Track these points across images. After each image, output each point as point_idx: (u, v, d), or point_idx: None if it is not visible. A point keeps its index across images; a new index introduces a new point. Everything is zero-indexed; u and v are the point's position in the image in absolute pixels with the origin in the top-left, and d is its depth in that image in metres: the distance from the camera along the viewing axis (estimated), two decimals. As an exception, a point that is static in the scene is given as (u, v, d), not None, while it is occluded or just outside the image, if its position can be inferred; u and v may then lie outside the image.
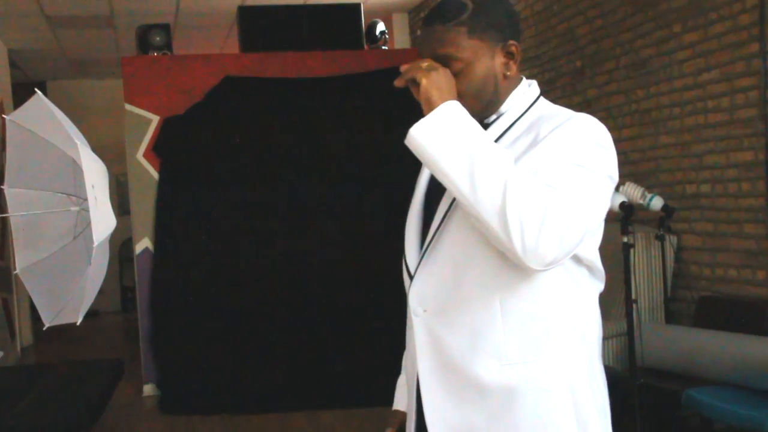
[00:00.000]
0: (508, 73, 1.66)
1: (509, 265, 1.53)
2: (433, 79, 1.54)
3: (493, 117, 1.69)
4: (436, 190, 1.68)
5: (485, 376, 1.57)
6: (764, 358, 3.89)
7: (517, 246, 1.44)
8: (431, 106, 1.52)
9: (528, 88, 1.72)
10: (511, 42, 1.65)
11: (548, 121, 1.60)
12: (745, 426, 3.94)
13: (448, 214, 1.62)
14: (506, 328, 1.57)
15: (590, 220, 1.53)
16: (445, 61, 1.61)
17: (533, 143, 1.58)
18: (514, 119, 1.66)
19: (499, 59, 1.64)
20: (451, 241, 1.62)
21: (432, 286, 1.64)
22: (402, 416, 1.86)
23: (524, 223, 1.43)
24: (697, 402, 4.10)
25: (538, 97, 1.71)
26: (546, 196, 1.45)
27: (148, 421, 6.05)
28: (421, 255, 1.66)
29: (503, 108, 1.69)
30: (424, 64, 1.58)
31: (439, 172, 1.50)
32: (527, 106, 1.68)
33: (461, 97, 1.60)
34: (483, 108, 1.66)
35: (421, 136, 1.50)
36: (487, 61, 1.63)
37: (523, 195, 1.43)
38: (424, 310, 1.65)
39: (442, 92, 1.54)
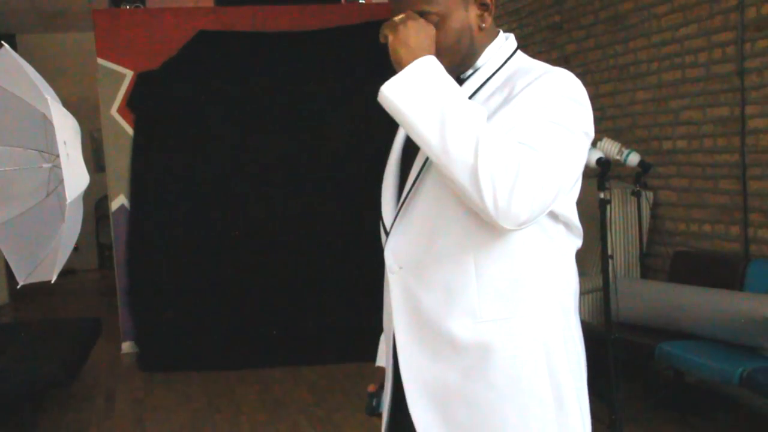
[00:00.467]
0: (484, 25, 1.64)
1: (483, 223, 1.52)
2: (400, 36, 1.51)
3: (470, 71, 1.67)
4: (412, 147, 1.65)
5: (459, 333, 1.57)
6: (736, 313, 3.94)
7: (489, 205, 1.42)
8: (400, 65, 1.50)
9: (505, 42, 1.70)
10: None
11: (524, 75, 1.58)
12: (715, 378, 4.03)
13: (423, 171, 1.61)
14: (480, 286, 1.58)
15: (564, 179, 1.52)
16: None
17: (507, 98, 1.56)
18: (490, 74, 1.64)
19: (474, 11, 1.62)
20: (425, 198, 1.61)
21: (407, 243, 1.64)
22: (383, 372, 1.86)
23: (496, 182, 1.41)
24: (670, 356, 4.16)
25: (515, 51, 1.69)
26: (519, 154, 1.43)
27: (127, 378, 6.06)
28: (396, 212, 1.66)
29: (479, 62, 1.67)
30: (398, 17, 1.55)
31: (411, 130, 1.48)
32: (503, 60, 1.66)
33: (437, 52, 1.58)
34: (460, 62, 1.65)
35: (391, 95, 1.48)
36: (461, 13, 1.60)
37: (496, 153, 1.42)
38: (400, 267, 1.65)
39: (411, 48, 1.50)
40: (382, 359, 1.90)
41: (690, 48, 4.91)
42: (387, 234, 1.68)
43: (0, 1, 9.66)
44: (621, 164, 4.62)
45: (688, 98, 4.96)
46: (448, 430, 1.61)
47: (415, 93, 1.46)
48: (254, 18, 6.78)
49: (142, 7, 6.78)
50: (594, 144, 4.32)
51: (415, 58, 1.49)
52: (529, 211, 1.44)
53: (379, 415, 1.81)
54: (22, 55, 3.26)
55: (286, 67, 6.66)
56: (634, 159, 4.66)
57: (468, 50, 1.64)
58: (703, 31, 4.80)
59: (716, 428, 4.31)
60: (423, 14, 1.58)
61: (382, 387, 1.82)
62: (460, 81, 1.65)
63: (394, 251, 1.66)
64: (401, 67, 1.50)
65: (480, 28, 1.64)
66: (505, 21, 7.02)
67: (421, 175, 1.60)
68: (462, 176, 1.43)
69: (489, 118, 1.52)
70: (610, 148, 4.52)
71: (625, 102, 5.54)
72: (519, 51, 1.70)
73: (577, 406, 1.65)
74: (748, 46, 4.49)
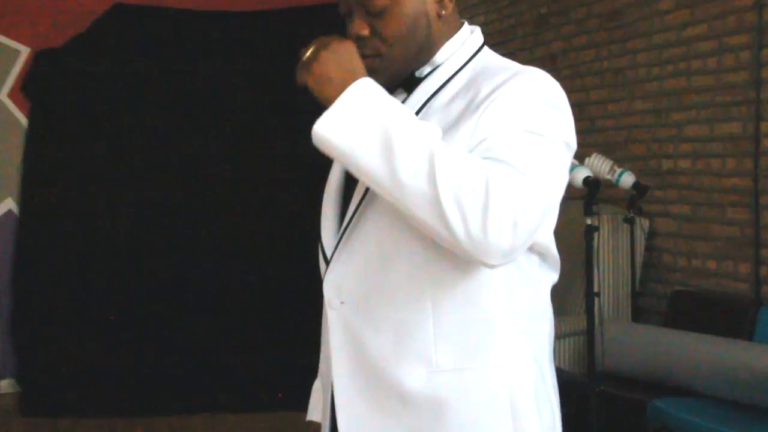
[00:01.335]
0: (444, 13, 1.66)
1: (444, 254, 1.50)
2: (317, 74, 1.50)
3: (427, 69, 1.68)
4: None
5: (410, 384, 1.57)
6: (744, 366, 3.97)
7: (462, 238, 1.40)
8: (329, 102, 1.48)
9: (470, 36, 1.70)
10: None
11: (491, 77, 1.57)
12: (718, 444, 4.04)
13: (364, 200, 1.61)
14: (437, 328, 1.57)
15: (548, 197, 1.50)
16: (366, 1, 1.61)
17: (471, 104, 1.55)
18: (452, 73, 1.65)
19: None
20: (374, 221, 1.60)
21: (351, 274, 1.63)
22: (317, 428, 1.86)
23: (464, 209, 1.39)
24: (665, 414, 4.16)
25: (481, 47, 1.70)
26: (486, 171, 1.40)
27: (5, 424, 5.96)
28: (339, 237, 1.65)
29: (439, 58, 1.67)
30: (307, 53, 1.53)
31: (355, 170, 1.46)
32: (467, 57, 1.67)
33: (386, 41, 1.62)
34: (414, 55, 1.66)
35: (325, 133, 1.46)
36: None
37: (457, 175, 1.38)
38: (341, 302, 1.64)
39: (335, 81, 1.48)
40: (314, 411, 1.90)
41: (698, 52, 4.96)
42: (327, 263, 1.68)
43: None
44: (612, 185, 4.66)
45: (694, 110, 5.00)
46: None
47: (351, 126, 1.44)
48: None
49: (45, -29, 6.68)
50: (581, 161, 4.34)
51: (344, 89, 1.47)
52: (512, 238, 1.39)
53: None
54: None
55: (216, 52, 6.67)
56: (628, 180, 4.70)
57: (424, 41, 1.65)
58: (714, 32, 4.85)
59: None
60: None
61: None
62: (416, 81, 1.67)
63: (335, 284, 1.65)
64: (330, 104, 1.47)
65: (439, 16, 1.65)
66: (482, 11, 7.11)
67: (369, 193, 1.59)
68: (423, 211, 1.41)
69: (450, 128, 1.53)
70: (600, 165, 4.54)
71: (619, 112, 5.58)
72: (486, 47, 1.71)
73: None
74: (766, 52, 4.55)
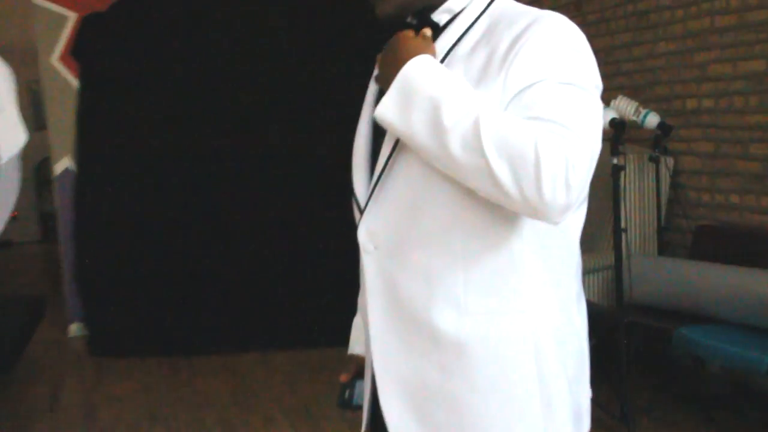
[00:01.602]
0: None
1: (474, 201, 1.51)
2: (380, 78, 1.56)
3: (446, 17, 1.64)
4: None
5: (440, 325, 1.56)
6: (765, 293, 3.99)
7: (519, 201, 1.41)
8: (387, 84, 1.53)
9: None
10: None
11: (510, 25, 1.55)
12: (741, 367, 4.08)
13: (395, 151, 1.60)
14: (467, 274, 1.56)
15: (593, 149, 1.48)
16: None
17: (494, 56, 1.53)
18: (471, 21, 1.62)
19: None
20: (405, 170, 1.59)
21: (383, 222, 1.63)
22: (359, 360, 1.87)
23: (517, 173, 1.39)
24: (690, 341, 4.19)
25: None
26: (533, 134, 1.40)
27: (75, 364, 6.09)
28: (372, 188, 1.65)
29: (455, 5, 1.64)
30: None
31: (413, 146, 1.51)
32: (486, 4, 1.63)
33: None
34: None
35: (383, 116, 1.51)
36: None
37: (505, 142, 1.40)
38: (375, 248, 1.64)
39: (392, 65, 1.53)
40: (356, 345, 1.92)
41: (719, -9, 4.91)
42: (361, 212, 1.68)
43: None
44: (638, 126, 4.64)
45: (717, 50, 4.96)
46: (422, 429, 1.61)
47: (402, 109, 1.48)
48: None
49: (90, -62, 6.70)
50: (607, 103, 4.33)
51: (398, 71, 1.50)
52: (566, 195, 1.40)
53: (353, 408, 1.83)
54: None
55: (260, 19, 6.55)
56: (653, 120, 4.69)
57: None
58: (736, -29, 4.80)
59: (742, 424, 4.36)
60: None
61: (355, 377, 1.85)
62: (435, 27, 1.63)
63: (369, 230, 1.65)
64: (387, 86, 1.52)
65: None
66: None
67: (399, 144, 1.58)
68: (479, 182, 1.44)
69: (478, 80, 1.52)
70: (626, 107, 4.54)
71: (644, 55, 5.54)
72: None
73: (570, 412, 1.63)
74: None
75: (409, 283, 1.60)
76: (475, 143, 1.40)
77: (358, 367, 1.86)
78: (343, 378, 1.85)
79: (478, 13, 1.62)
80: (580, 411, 1.67)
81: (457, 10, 1.63)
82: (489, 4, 1.63)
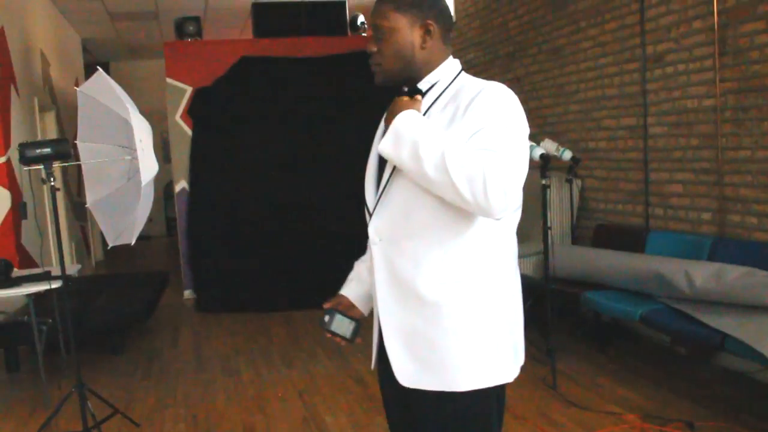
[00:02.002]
0: (425, 46, 1.58)
1: (446, 207, 1.48)
2: (391, 112, 1.54)
3: (427, 85, 1.61)
4: None
5: (424, 291, 1.53)
6: (639, 269, 3.98)
7: (473, 206, 1.40)
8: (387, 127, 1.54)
9: (453, 64, 1.63)
10: (429, 21, 1.57)
11: (467, 91, 1.54)
12: (622, 317, 4.08)
13: (393, 172, 1.57)
14: (443, 257, 1.52)
15: (522, 170, 1.47)
16: (376, 27, 1.59)
17: (457, 111, 1.51)
18: (443, 88, 1.59)
19: (417, 32, 1.57)
20: (400, 188, 1.55)
21: (386, 222, 1.58)
22: (342, 299, 1.78)
23: (472, 187, 1.38)
24: (592, 301, 4.21)
25: (460, 71, 1.63)
26: (481, 161, 1.39)
27: (187, 317, 6.12)
28: (377, 197, 1.60)
29: (433, 78, 1.60)
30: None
31: (404, 170, 1.50)
32: (452, 78, 1.61)
33: (384, 56, 1.58)
34: (402, 68, 1.59)
35: (382, 149, 1.52)
36: (406, 31, 1.57)
37: (463, 167, 1.39)
38: (380, 240, 1.59)
39: (393, 115, 1.53)
40: (346, 288, 1.81)
41: (607, 73, 4.92)
42: (370, 215, 1.62)
43: (99, 38, 9.89)
44: (558, 159, 4.62)
45: (607, 110, 4.97)
46: (413, 362, 1.56)
47: (394, 145, 1.49)
48: (283, 46, 6.77)
49: (199, 39, 6.78)
50: (537, 143, 4.32)
51: (393, 121, 1.51)
52: (505, 200, 1.39)
53: (328, 331, 1.71)
54: (113, 76, 3.32)
55: (307, 82, 6.60)
56: (567, 155, 4.61)
57: (409, 61, 1.59)
58: (617, 61, 4.80)
59: (622, 353, 4.36)
60: (379, 26, 1.58)
61: (335, 309, 1.73)
62: (418, 92, 1.60)
63: (376, 228, 1.60)
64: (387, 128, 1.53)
65: (421, 47, 1.58)
66: (472, 51, 7.01)
67: (395, 170, 1.56)
68: (446, 193, 1.42)
69: (449, 124, 1.50)
70: (550, 146, 4.49)
71: (561, 112, 5.53)
72: (463, 72, 1.64)
73: (511, 348, 1.61)
74: (648, 73, 4.51)
75: (402, 263, 1.56)
76: (443, 167, 1.40)
77: (340, 303, 1.77)
78: (326, 305, 1.75)
79: (447, 84, 1.60)
80: (517, 347, 1.64)
81: (434, 82, 1.61)
82: (455, 78, 1.61)
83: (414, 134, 1.46)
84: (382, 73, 1.61)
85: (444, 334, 1.53)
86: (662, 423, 3.25)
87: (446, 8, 1.63)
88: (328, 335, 1.72)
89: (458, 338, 1.53)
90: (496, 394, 1.60)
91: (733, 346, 3.23)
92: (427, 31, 1.58)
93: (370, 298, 1.74)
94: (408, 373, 1.57)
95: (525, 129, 1.53)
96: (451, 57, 1.64)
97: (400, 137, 1.48)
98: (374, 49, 1.60)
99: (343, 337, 1.71)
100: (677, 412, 3.40)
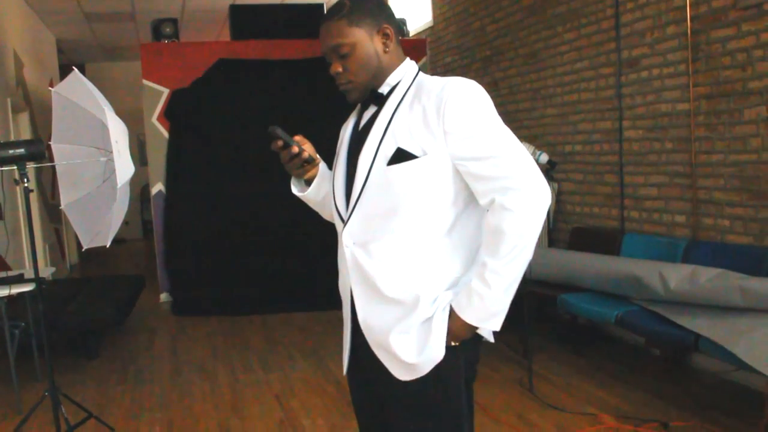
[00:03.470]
0: (387, 50, 1.59)
1: (423, 215, 1.50)
2: (456, 336, 1.53)
3: (387, 88, 1.60)
4: (356, 145, 1.62)
5: (387, 288, 1.54)
6: (615, 271, 4.01)
7: (542, 217, 1.45)
8: (470, 332, 1.53)
9: (410, 65, 1.63)
10: (385, 25, 1.58)
11: (429, 88, 1.53)
12: (598, 319, 4.10)
13: (368, 177, 1.55)
14: (412, 260, 1.53)
15: (521, 149, 1.47)
16: (337, 49, 1.56)
17: (426, 111, 1.50)
18: (405, 89, 1.58)
19: (378, 39, 1.58)
20: (375, 193, 1.55)
21: (358, 229, 1.58)
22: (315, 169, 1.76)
23: (526, 223, 1.43)
24: (568, 303, 4.22)
25: (418, 72, 1.63)
26: (497, 217, 1.44)
27: (164, 320, 6.06)
28: (352, 206, 1.59)
29: (392, 80, 1.60)
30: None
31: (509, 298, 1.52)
32: (412, 79, 1.60)
33: (353, 73, 1.56)
34: (372, 78, 1.59)
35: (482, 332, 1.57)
36: (367, 42, 1.56)
37: (508, 241, 1.43)
38: (354, 243, 1.59)
39: (464, 333, 1.53)
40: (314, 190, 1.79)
41: (583, 77, 4.96)
42: (343, 221, 1.61)
43: (74, 39, 9.78)
44: (534, 161, 4.67)
45: (583, 114, 5.01)
46: (402, 356, 1.53)
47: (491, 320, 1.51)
48: (260, 49, 6.75)
49: (176, 41, 6.72)
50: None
51: (469, 329, 1.52)
52: (539, 189, 1.44)
53: (278, 137, 1.70)
54: (88, 77, 3.27)
55: (283, 85, 6.59)
56: (544, 158, 4.68)
57: (378, 68, 1.58)
58: (593, 65, 4.85)
59: (598, 355, 4.39)
60: (338, 47, 1.55)
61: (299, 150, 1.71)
62: (381, 96, 1.59)
63: (351, 233, 1.59)
64: (468, 334, 1.53)
65: (385, 52, 1.59)
66: (449, 55, 7.05)
67: (368, 181, 1.55)
68: (531, 245, 1.47)
69: (421, 124, 1.49)
70: (527, 149, 4.55)
71: (537, 116, 5.56)
72: (420, 72, 1.64)
73: None
74: (623, 77, 4.56)
75: (371, 263, 1.56)
76: (511, 273, 1.46)
77: (315, 174, 1.75)
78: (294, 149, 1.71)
79: (408, 84, 1.59)
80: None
81: (394, 84, 1.61)
82: (414, 78, 1.60)
83: (483, 317, 1.48)
84: (355, 90, 1.60)
85: (414, 323, 1.52)
86: (638, 423, 3.28)
87: (391, 10, 1.64)
88: (278, 143, 1.69)
89: (424, 324, 1.52)
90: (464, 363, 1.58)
91: (707, 346, 3.27)
92: (385, 35, 1.59)
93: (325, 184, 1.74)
94: (402, 369, 1.55)
95: (496, 113, 1.52)
96: (407, 59, 1.65)
97: (487, 320, 1.49)
98: (339, 69, 1.58)
99: (287, 141, 1.68)
100: (652, 412, 3.43)
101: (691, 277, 3.53)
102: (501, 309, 1.48)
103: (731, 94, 3.75)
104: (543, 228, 4.54)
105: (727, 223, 3.86)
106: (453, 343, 1.52)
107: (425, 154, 1.48)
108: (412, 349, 1.53)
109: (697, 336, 3.32)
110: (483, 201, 1.49)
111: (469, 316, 1.48)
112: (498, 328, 1.52)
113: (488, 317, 1.48)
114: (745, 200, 3.73)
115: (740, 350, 3.04)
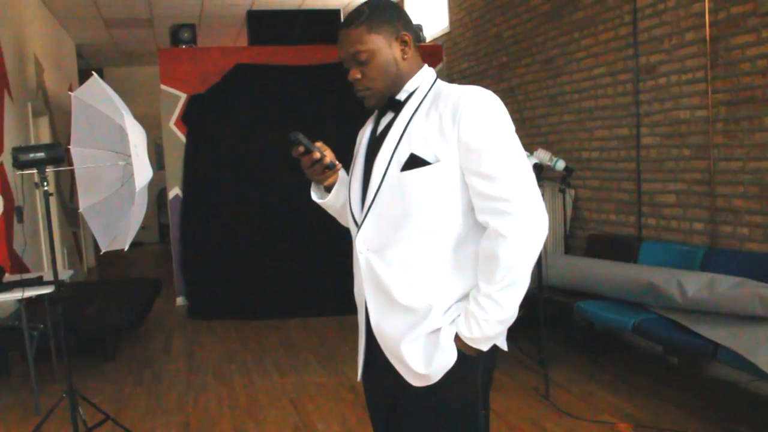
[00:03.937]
0: (406, 57, 1.59)
1: (433, 225, 1.50)
2: (470, 351, 1.53)
3: (404, 95, 1.61)
4: (373, 150, 1.62)
5: (405, 299, 1.54)
6: (631, 279, 3.98)
7: (541, 240, 1.47)
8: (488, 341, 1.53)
9: (428, 71, 1.64)
10: (403, 33, 1.59)
11: (446, 96, 1.53)
12: (615, 327, 4.08)
13: (383, 182, 1.56)
14: (425, 268, 1.53)
15: (528, 172, 1.49)
16: (356, 56, 1.57)
17: (442, 120, 1.50)
18: (422, 96, 1.59)
19: (396, 46, 1.58)
20: (389, 199, 1.55)
21: (373, 233, 1.59)
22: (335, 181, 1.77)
23: (525, 252, 1.45)
24: (585, 311, 4.20)
25: (436, 79, 1.64)
26: (494, 244, 1.45)
27: (179, 323, 6.09)
28: (365, 211, 1.60)
29: (410, 86, 1.61)
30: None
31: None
32: (430, 86, 1.61)
33: (371, 79, 1.57)
34: (391, 85, 1.59)
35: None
36: (386, 49, 1.57)
37: (505, 265, 1.45)
38: (368, 249, 1.59)
39: (473, 351, 1.53)
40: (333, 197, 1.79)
41: (601, 84, 4.94)
42: (357, 225, 1.61)
43: (94, 43, 9.90)
44: (551, 169, 4.61)
45: (600, 120, 4.99)
46: (416, 363, 1.53)
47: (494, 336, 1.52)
48: (278, 54, 6.78)
49: (194, 46, 6.78)
50: (531, 152, 4.34)
51: (470, 348, 1.52)
52: (537, 217, 1.46)
53: (299, 142, 1.69)
54: (107, 82, 3.30)
55: (300, 90, 6.62)
56: (561, 165, 4.62)
57: (396, 75, 1.59)
58: (610, 72, 4.83)
59: (615, 363, 4.36)
60: (358, 53, 1.56)
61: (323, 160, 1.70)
62: (398, 102, 1.60)
63: (365, 239, 1.59)
64: (480, 348, 1.53)
65: (403, 59, 1.59)
66: (465, 61, 7.04)
67: (382, 186, 1.56)
68: (530, 264, 1.49)
69: (437, 131, 1.49)
70: (544, 156, 4.50)
71: (554, 122, 5.54)
72: (438, 79, 1.64)
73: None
74: (641, 84, 4.53)
75: (385, 270, 1.56)
76: (511, 291, 1.47)
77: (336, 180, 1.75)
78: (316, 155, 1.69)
79: (426, 91, 1.60)
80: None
81: (412, 90, 1.61)
82: (432, 85, 1.61)
83: (478, 339, 1.49)
84: (373, 96, 1.60)
85: (424, 333, 1.53)
86: (655, 432, 3.25)
87: (409, 17, 1.64)
88: (300, 148, 1.68)
89: (433, 334, 1.52)
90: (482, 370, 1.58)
91: (726, 356, 3.23)
92: (404, 42, 1.59)
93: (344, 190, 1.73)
94: (414, 377, 1.54)
95: (513, 129, 1.52)
96: (425, 65, 1.65)
97: (492, 337, 1.50)
98: (358, 76, 1.59)
99: (308, 147, 1.67)
100: (670, 421, 3.39)
101: (710, 285, 3.50)
102: (496, 333, 1.49)
103: (751, 101, 3.72)
104: (560, 234, 4.42)
105: (746, 230, 3.82)
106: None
107: (438, 160, 1.49)
108: (420, 359, 1.53)
109: (716, 345, 3.28)
110: (479, 218, 1.51)
111: (466, 337, 1.50)
112: (501, 347, 1.56)
113: (484, 340, 1.50)
114: (764, 208, 3.69)
115: (761, 360, 3.00)
